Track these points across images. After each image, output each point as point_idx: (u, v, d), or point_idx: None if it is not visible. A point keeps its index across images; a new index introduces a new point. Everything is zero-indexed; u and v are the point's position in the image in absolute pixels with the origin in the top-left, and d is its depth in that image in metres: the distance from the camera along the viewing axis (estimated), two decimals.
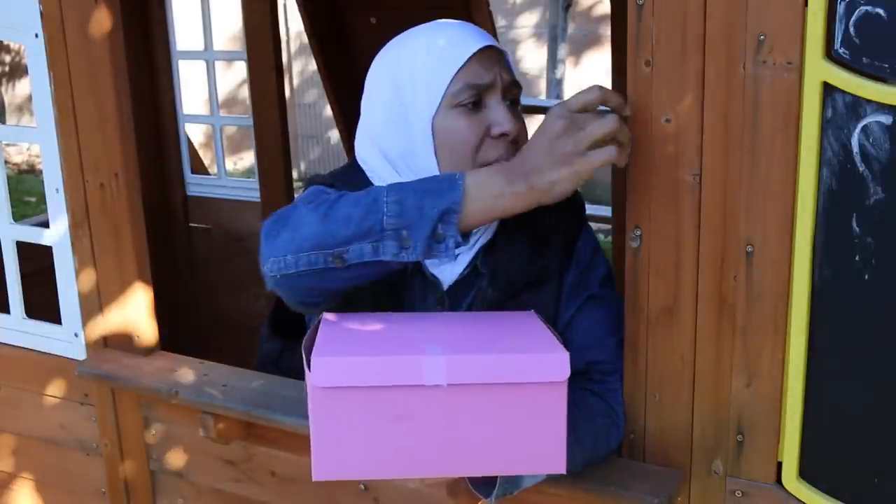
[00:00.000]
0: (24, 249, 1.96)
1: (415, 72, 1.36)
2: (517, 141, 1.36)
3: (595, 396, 1.39)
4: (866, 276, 1.19)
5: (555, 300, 1.45)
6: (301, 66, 8.19)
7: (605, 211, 4.08)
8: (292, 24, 7.62)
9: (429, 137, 1.35)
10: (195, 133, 5.79)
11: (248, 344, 1.83)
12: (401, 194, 1.21)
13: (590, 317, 1.44)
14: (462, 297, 1.43)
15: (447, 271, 1.42)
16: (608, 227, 4.26)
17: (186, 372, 1.74)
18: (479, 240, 1.41)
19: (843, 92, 1.15)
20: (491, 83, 1.34)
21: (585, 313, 1.44)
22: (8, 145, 7.85)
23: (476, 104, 1.35)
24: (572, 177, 1.19)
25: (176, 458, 1.84)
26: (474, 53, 1.34)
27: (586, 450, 1.32)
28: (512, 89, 1.37)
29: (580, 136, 1.18)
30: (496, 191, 1.20)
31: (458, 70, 1.33)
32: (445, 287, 1.42)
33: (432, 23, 1.41)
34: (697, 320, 1.33)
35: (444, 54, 1.34)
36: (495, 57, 1.36)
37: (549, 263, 1.44)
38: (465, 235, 1.23)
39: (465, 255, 1.41)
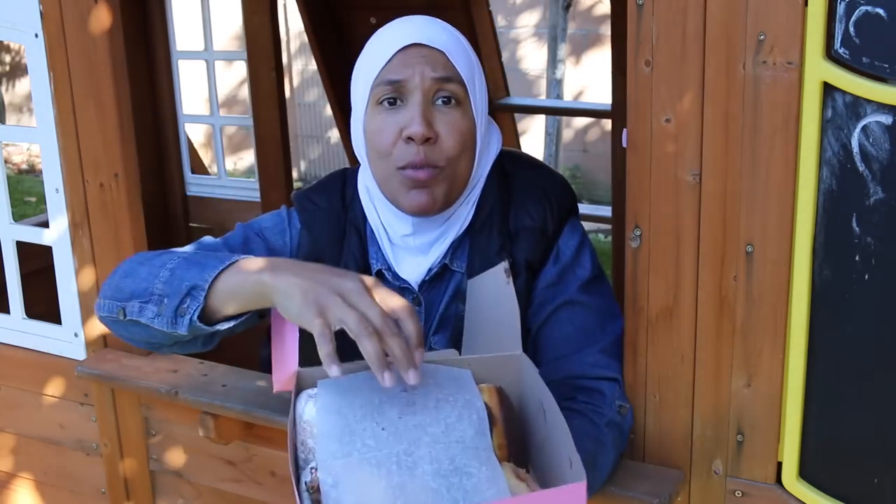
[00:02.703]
0: (24, 249, 1.96)
1: (358, 72, 1.37)
2: (436, 144, 1.30)
3: (581, 417, 1.30)
4: (866, 276, 1.19)
5: (525, 299, 1.38)
6: (301, 66, 8.19)
7: (605, 211, 4.08)
8: (292, 24, 7.62)
9: (361, 136, 1.36)
10: (195, 133, 5.79)
11: (247, 344, 1.83)
12: (184, 263, 1.23)
13: (567, 323, 1.38)
14: (437, 296, 1.41)
15: (410, 272, 1.41)
16: (608, 227, 4.26)
17: (186, 372, 1.74)
18: (447, 237, 1.39)
19: (843, 92, 1.15)
20: (404, 80, 1.29)
21: (561, 319, 1.38)
22: (8, 145, 7.85)
23: (396, 102, 1.31)
24: (309, 322, 1.07)
25: (176, 458, 1.84)
26: (400, 50, 1.30)
27: None
28: (443, 86, 1.30)
29: (361, 307, 1.06)
30: (245, 277, 1.16)
31: (382, 67, 1.31)
32: (416, 287, 1.41)
33: (395, 20, 1.39)
34: (697, 320, 1.33)
35: (375, 51, 1.33)
36: (424, 53, 1.30)
37: (516, 259, 1.38)
38: (214, 320, 1.20)
39: (433, 252, 1.40)
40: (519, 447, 1.12)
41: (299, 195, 1.50)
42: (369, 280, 1.11)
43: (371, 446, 1.02)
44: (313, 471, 1.02)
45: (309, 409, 1.08)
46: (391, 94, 1.31)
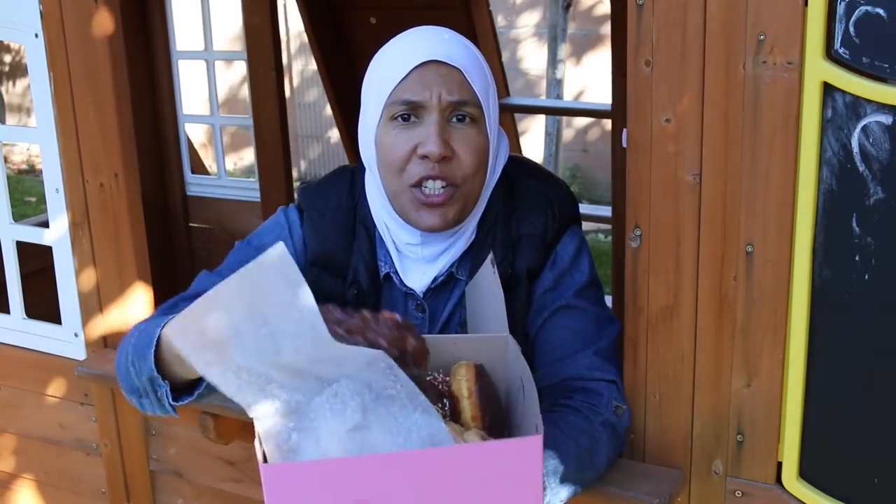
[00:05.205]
0: (24, 249, 1.96)
1: (371, 82, 1.35)
2: (452, 162, 1.30)
3: (577, 414, 1.31)
4: (866, 276, 1.19)
5: (524, 305, 1.40)
6: (301, 66, 8.19)
7: (605, 211, 4.08)
8: (292, 24, 7.62)
9: (373, 149, 1.35)
10: (195, 133, 5.79)
11: None
12: (134, 351, 1.21)
13: (564, 327, 1.39)
14: (441, 304, 1.42)
15: (416, 280, 1.40)
16: (608, 227, 4.26)
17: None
18: (455, 248, 1.39)
19: (843, 92, 1.15)
20: (422, 101, 1.29)
21: (557, 323, 1.39)
22: (8, 145, 7.85)
23: (410, 118, 1.30)
24: None
25: (176, 458, 1.84)
26: (416, 67, 1.29)
27: (570, 472, 1.23)
28: (459, 108, 1.30)
29: None
30: (182, 359, 1.09)
31: (398, 84, 1.29)
32: (420, 294, 1.41)
33: (410, 30, 1.37)
34: (697, 320, 1.33)
35: (391, 66, 1.31)
36: (441, 72, 1.30)
37: (517, 269, 1.39)
38: (189, 387, 1.18)
39: (440, 262, 1.39)
40: (496, 423, 1.16)
41: (307, 192, 1.47)
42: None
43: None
44: None
45: None
46: (406, 112, 1.30)
